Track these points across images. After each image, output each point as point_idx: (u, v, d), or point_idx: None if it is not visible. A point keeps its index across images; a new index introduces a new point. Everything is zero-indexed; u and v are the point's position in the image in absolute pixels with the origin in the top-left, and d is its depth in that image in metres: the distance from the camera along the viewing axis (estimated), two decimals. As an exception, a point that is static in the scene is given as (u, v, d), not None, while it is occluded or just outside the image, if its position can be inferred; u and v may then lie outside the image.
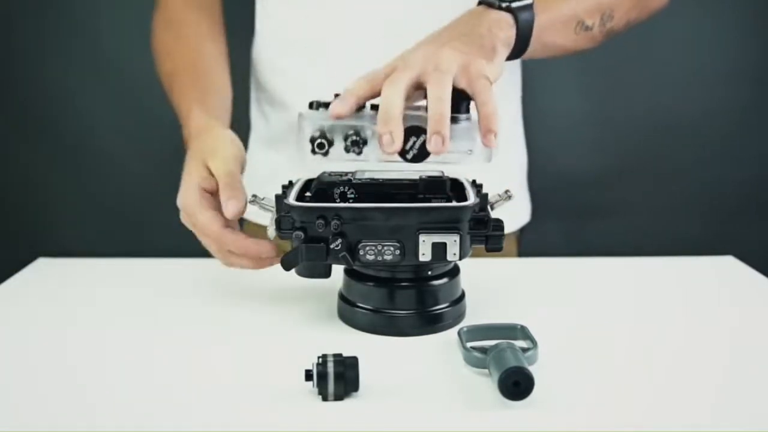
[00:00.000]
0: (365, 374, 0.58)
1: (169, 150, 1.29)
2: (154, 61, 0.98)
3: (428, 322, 0.70)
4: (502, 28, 0.72)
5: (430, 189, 0.69)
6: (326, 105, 0.68)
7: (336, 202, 0.68)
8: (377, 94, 0.66)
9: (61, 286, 0.86)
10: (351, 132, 0.66)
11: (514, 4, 0.73)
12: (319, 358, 0.58)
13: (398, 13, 0.93)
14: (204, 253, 0.84)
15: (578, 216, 1.36)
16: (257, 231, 0.94)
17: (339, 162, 0.68)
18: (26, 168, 1.36)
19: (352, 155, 0.66)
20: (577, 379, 0.61)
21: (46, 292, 0.84)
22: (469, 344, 0.64)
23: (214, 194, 0.74)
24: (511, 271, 0.91)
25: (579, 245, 1.36)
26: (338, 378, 0.57)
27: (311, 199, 0.69)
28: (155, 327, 0.73)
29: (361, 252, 0.66)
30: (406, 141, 0.64)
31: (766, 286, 0.85)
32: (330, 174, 0.70)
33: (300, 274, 0.71)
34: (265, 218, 0.73)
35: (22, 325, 0.74)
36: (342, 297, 0.74)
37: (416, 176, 0.69)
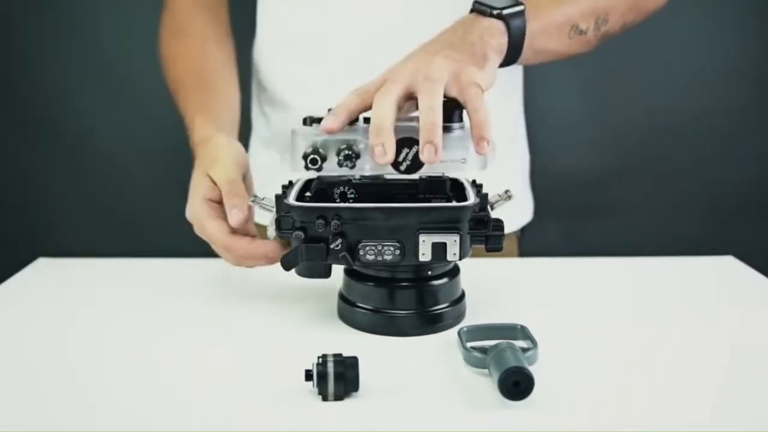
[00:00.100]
0: (365, 374, 0.58)
1: (169, 150, 1.30)
2: (161, 67, 0.98)
3: (428, 322, 0.70)
4: (494, 35, 0.72)
5: (430, 189, 0.69)
6: (319, 120, 0.68)
7: (336, 202, 0.68)
8: (369, 107, 0.66)
9: (61, 286, 0.86)
10: (343, 146, 0.66)
11: (506, 11, 0.72)
12: (319, 358, 0.58)
13: (398, 13, 0.93)
14: (204, 253, 0.84)
15: (578, 216, 1.37)
16: (258, 231, 0.94)
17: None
18: (26, 168, 1.36)
19: (345, 169, 0.66)
20: (577, 379, 0.61)
21: (46, 292, 0.84)
22: (469, 344, 0.64)
23: (220, 203, 0.74)
24: (511, 271, 0.90)
25: (579, 245, 1.36)
26: (338, 378, 0.57)
27: (311, 199, 0.69)
28: (155, 327, 0.73)
29: (361, 252, 0.66)
30: (398, 152, 0.64)
31: (766, 286, 0.85)
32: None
33: (300, 274, 0.71)
34: (266, 218, 0.73)
35: (22, 325, 0.74)
36: (342, 297, 0.74)
37: (416, 176, 0.69)
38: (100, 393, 0.60)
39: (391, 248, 0.66)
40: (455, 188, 0.72)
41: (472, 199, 0.67)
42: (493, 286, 0.82)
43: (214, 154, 0.76)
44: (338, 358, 0.58)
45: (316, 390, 0.57)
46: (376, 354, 0.65)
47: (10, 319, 0.76)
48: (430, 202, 0.69)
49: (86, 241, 1.37)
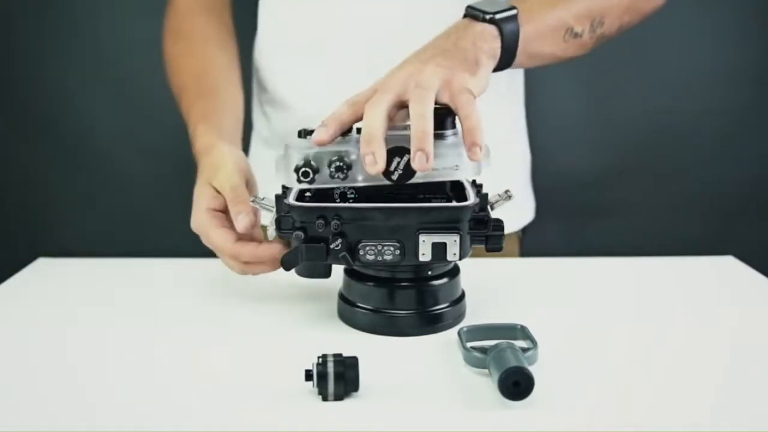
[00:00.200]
0: (365, 374, 0.58)
1: (169, 150, 1.30)
2: (164, 70, 0.98)
3: (428, 322, 0.70)
4: (487, 40, 0.72)
5: (430, 189, 0.69)
6: (312, 133, 0.68)
7: (336, 202, 0.68)
8: (361, 118, 0.65)
9: (61, 286, 0.86)
10: (335, 158, 0.65)
11: (498, 16, 0.72)
12: (319, 358, 0.58)
13: (398, 13, 0.93)
14: (204, 253, 0.84)
15: (578, 216, 1.37)
16: (260, 232, 0.94)
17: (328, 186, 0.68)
18: (26, 168, 1.36)
19: (337, 181, 0.66)
20: (577, 379, 0.61)
21: (46, 292, 0.84)
22: (469, 344, 0.64)
23: (225, 211, 0.74)
24: (511, 271, 0.90)
25: (579, 245, 1.36)
26: (338, 378, 0.57)
27: (311, 199, 0.69)
28: (155, 327, 0.73)
29: (361, 252, 0.67)
30: (390, 162, 0.64)
31: (766, 286, 0.85)
32: None
33: (300, 274, 0.71)
34: (266, 218, 0.73)
35: (22, 325, 0.74)
36: (342, 297, 0.74)
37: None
38: (100, 393, 0.60)
39: (391, 248, 0.66)
40: (455, 188, 0.72)
41: (472, 199, 0.67)
42: (493, 286, 0.82)
43: (216, 162, 0.76)
44: (338, 358, 0.58)
45: (316, 390, 0.57)
46: (376, 354, 0.65)
47: (10, 319, 0.76)
48: (430, 202, 0.69)
49: (86, 241, 1.37)
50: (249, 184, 0.76)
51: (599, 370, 0.63)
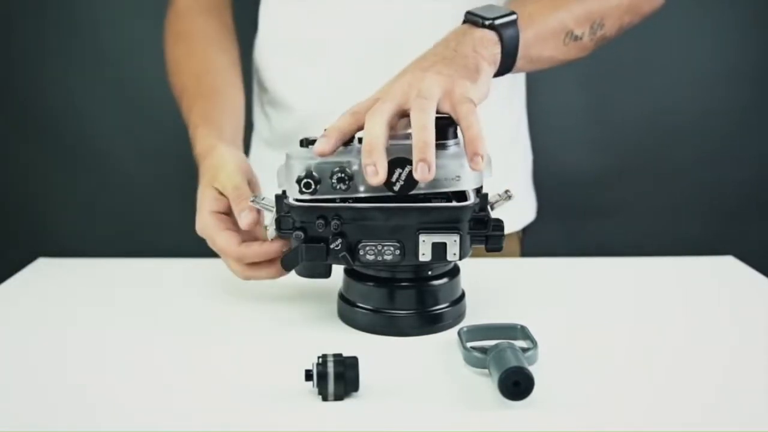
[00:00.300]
0: (365, 374, 0.58)
1: (169, 150, 1.30)
2: (165, 71, 0.97)
3: (428, 322, 0.70)
4: (487, 46, 0.71)
5: (430, 189, 0.69)
6: (315, 142, 0.67)
7: (336, 202, 0.68)
8: (362, 127, 0.65)
9: (61, 286, 0.86)
10: (336, 169, 0.65)
11: (498, 22, 0.72)
12: (319, 358, 0.58)
13: (398, 13, 0.93)
14: (204, 253, 0.84)
15: (578, 216, 1.37)
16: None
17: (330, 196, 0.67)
18: (26, 168, 1.36)
19: (339, 192, 0.66)
20: (577, 379, 0.61)
21: (46, 292, 0.84)
22: (469, 344, 0.64)
23: (228, 213, 0.74)
24: (511, 271, 0.90)
25: (579, 245, 1.36)
26: (338, 378, 0.57)
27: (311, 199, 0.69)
28: (155, 327, 0.73)
29: (361, 252, 0.67)
30: (392, 173, 0.63)
31: (766, 286, 0.85)
32: None
33: (300, 274, 0.71)
34: (267, 218, 0.73)
35: (22, 325, 0.74)
36: (342, 297, 0.74)
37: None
38: (100, 393, 0.60)
39: (391, 248, 0.66)
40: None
41: (472, 199, 0.67)
42: (493, 286, 0.82)
43: (217, 164, 0.76)
44: (338, 358, 0.58)
45: (316, 390, 0.57)
46: (376, 354, 0.65)
47: (10, 319, 0.76)
48: (430, 202, 0.69)
49: (86, 241, 1.37)
50: (251, 184, 0.76)
51: (599, 370, 0.63)
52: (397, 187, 0.64)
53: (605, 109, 1.34)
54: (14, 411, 0.57)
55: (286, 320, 0.74)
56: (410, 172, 0.63)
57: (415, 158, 0.61)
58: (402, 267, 0.69)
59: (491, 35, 0.72)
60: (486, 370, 0.61)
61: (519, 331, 0.68)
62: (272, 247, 0.72)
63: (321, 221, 0.66)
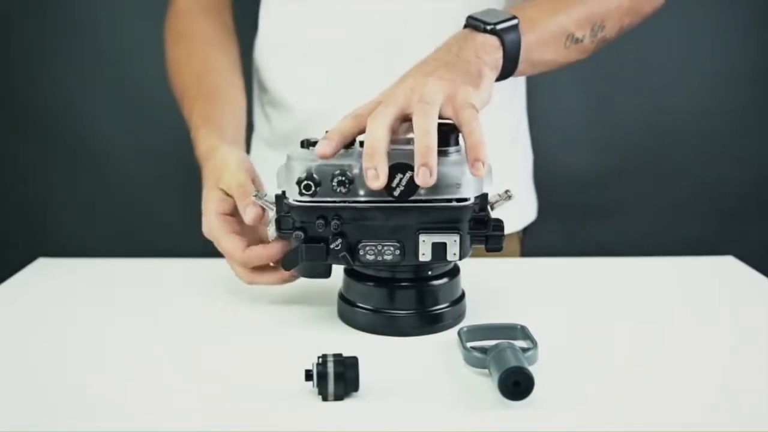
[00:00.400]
0: (365, 374, 0.58)
1: (169, 150, 1.30)
2: (166, 72, 0.97)
3: (428, 322, 0.70)
4: (488, 51, 0.71)
5: (430, 188, 0.69)
6: (316, 144, 0.67)
7: (336, 202, 0.68)
8: (364, 131, 0.65)
9: (61, 286, 0.86)
10: (337, 172, 0.65)
11: (499, 26, 0.72)
12: (319, 358, 0.58)
13: (398, 13, 0.93)
14: (204, 253, 0.84)
15: (578, 216, 1.37)
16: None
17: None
18: (26, 168, 1.36)
19: (339, 195, 0.66)
20: (577, 379, 0.61)
21: (46, 292, 0.84)
22: (469, 344, 0.64)
23: (234, 214, 0.74)
24: (511, 271, 0.90)
25: (579, 245, 1.36)
26: (338, 378, 0.57)
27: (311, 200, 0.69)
28: (155, 327, 0.73)
29: (361, 252, 0.67)
30: (392, 178, 0.63)
31: (766, 286, 0.85)
32: None
33: (300, 274, 0.71)
34: (269, 216, 0.73)
35: (22, 325, 0.74)
36: (342, 297, 0.74)
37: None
38: (100, 393, 0.60)
39: (391, 248, 0.66)
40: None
41: (471, 199, 0.67)
42: (493, 286, 0.82)
43: (220, 165, 0.76)
44: (338, 358, 0.58)
45: (316, 390, 0.57)
46: (376, 354, 0.65)
47: (10, 319, 0.76)
48: (430, 201, 0.68)
49: (86, 241, 1.37)
50: (255, 183, 0.76)
51: (599, 370, 0.63)
52: (397, 192, 0.64)
53: (605, 109, 1.34)
54: (14, 411, 0.57)
55: (286, 320, 0.74)
56: (411, 177, 0.63)
57: (417, 163, 0.61)
58: (402, 267, 0.69)
59: (493, 40, 0.72)
60: (486, 370, 0.61)
61: (519, 331, 0.68)
62: (275, 248, 0.72)
63: (321, 221, 0.66)
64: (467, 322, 0.72)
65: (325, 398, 0.57)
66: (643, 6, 0.87)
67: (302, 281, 0.73)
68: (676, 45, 1.31)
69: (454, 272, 0.73)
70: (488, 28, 0.72)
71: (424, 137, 0.62)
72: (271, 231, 0.70)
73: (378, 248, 0.66)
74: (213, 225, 0.74)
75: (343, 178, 0.65)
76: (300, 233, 0.67)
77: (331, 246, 0.66)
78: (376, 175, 0.62)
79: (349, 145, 0.67)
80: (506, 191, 0.71)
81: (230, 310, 0.77)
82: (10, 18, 1.30)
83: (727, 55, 1.32)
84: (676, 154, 1.34)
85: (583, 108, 1.34)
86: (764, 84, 1.32)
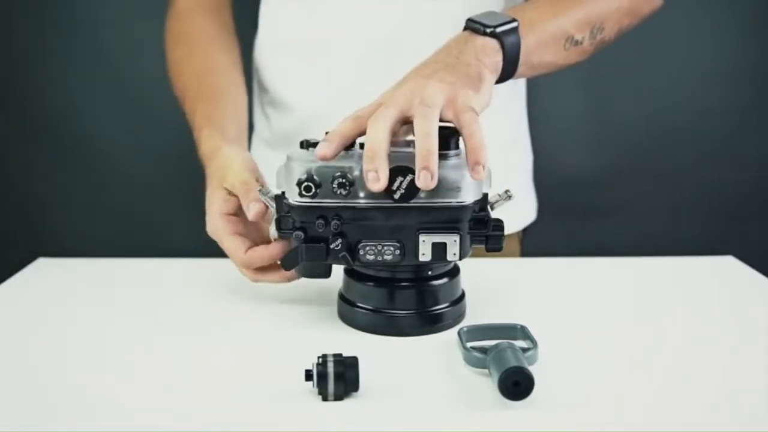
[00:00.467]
0: (365, 374, 0.58)
1: (170, 150, 1.30)
2: (167, 72, 0.97)
3: (428, 322, 0.70)
4: (488, 54, 0.71)
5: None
6: (315, 145, 0.67)
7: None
8: (364, 132, 0.65)
9: (61, 286, 0.86)
10: (337, 174, 0.65)
11: (499, 29, 0.72)
12: (319, 358, 0.58)
13: (398, 13, 0.93)
14: (204, 253, 0.84)
15: (578, 216, 1.37)
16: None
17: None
18: (26, 168, 1.36)
19: (339, 197, 0.65)
20: (577, 379, 0.61)
21: (46, 292, 0.84)
22: (469, 344, 0.64)
23: (237, 214, 0.74)
24: (511, 271, 0.90)
25: (579, 245, 1.36)
26: (338, 378, 0.57)
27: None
28: (155, 327, 0.73)
29: (361, 252, 0.67)
30: (393, 181, 0.63)
31: (766, 286, 0.85)
32: None
33: (300, 274, 0.71)
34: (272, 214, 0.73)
35: (22, 325, 0.74)
36: (342, 297, 0.74)
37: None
38: (100, 393, 0.60)
39: (391, 248, 0.66)
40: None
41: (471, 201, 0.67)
42: (493, 286, 0.82)
43: (223, 164, 0.76)
44: (338, 358, 0.58)
45: (316, 390, 0.57)
46: (376, 354, 0.65)
47: (10, 319, 0.76)
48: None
49: (86, 241, 1.37)
50: (258, 183, 0.76)
51: (599, 370, 0.63)
52: (397, 195, 0.64)
53: (605, 109, 1.34)
54: (14, 411, 0.57)
55: (286, 320, 0.74)
56: (411, 180, 0.63)
57: (418, 166, 0.61)
58: (402, 267, 0.69)
59: (493, 43, 0.72)
60: (486, 370, 0.61)
61: (519, 331, 0.68)
62: (276, 249, 0.72)
63: (321, 221, 0.66)
64: (467, 322, 0.72)
65: (325, 398, 0.57)
66: (641, 7, 0.88)
67: (302, 281, 0.73)
68: (676, 45, 1.31)
69: (454, 272, 0.73)
70: (488, 30, 0.72)
71: (426, 140, 0.62)
72: (272, 231, 0.70)
73: (378, 248, 0.66)
74: (216, 225, 0.74)
75: (344, 180, 0.65)
76: (300, 233, 0.67)
77: (331, 246, 0.66)
78: (376, 178, 0.62)
79: (349, 147, 0.67)
80: (506, 191, 0.71)
81: (230, 310, 0.77)
82: (10, 18, 1.30)
83: (727, 55, 1.32)
84: (676, 154, 1.34)
85: (583, 108, 1.34)
86: (764, 84, 1.32)
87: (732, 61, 1.31)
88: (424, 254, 0.66)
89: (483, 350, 0.62)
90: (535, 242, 1.12)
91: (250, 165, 0.76)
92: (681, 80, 1.32)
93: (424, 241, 0.66)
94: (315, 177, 0.65)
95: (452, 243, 0.66)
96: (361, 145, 0.65)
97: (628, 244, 1.35)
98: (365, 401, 0.58)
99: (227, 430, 0.55)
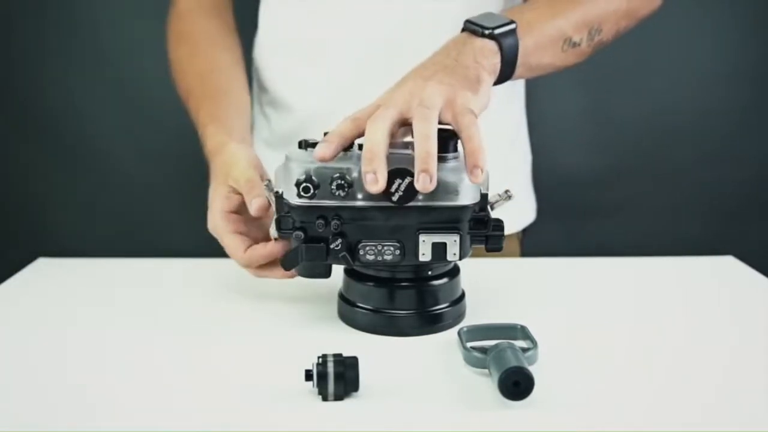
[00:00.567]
0: (365, 374, 0.58)
1: (170, 150, 1.30)
2: (170, 72, 0.97)
3: (428, 322, 0.70)
4: (487, 56, 0.71)
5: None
6: (314, 145, 0.67)
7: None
8: (363, 134, 0.65)
9: (61, 286, 0.86)
10: (336, 175, 0.65)
11: (497, 31, 0.72)
12: (319, 358, 0.58)
13: (398, 14, 0.93)
14: (204, 253, 0.84)
15: (578, 216, 1.37)
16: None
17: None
18: (26, 168, 1.36)
19: (338, 198, 0.65)
20: (577, 379, 0.61)
21: (46, 292, 0.84)
22: (469, 344, 0.64)
23: (239, 212, 0.74)
24: (511, 271, 0.90)
25: (579, 245, 1.36)
26: (338, 378, 0.57)
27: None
28: (155, 327, 0.73)
29: (361, 252, 0.67)
30: (391, 183, 0.63)
31: (766, 286, 0.85)
32: None
33: (300, 274, 0.71)
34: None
35: (22, 325, 0.74)
36: (342, 297, 0.74)
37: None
38: (100, 393, 0.60)
39: (391, 248, 0.66)
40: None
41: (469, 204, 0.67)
42: (493, 286, 0.82)
43: (228, 161, 0.76)
44: (338, 358, 0.58)
45: (316, 390, 0.57)
46: (376, 354, 0.65)
47: (10, 319, 0.76)
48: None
49: (86, 241, 1.37)
50: (262, 179, 0.76)
51: (599, 370, 0.63)
52: (395, 198, 0.64)
53: (605, 109, 1.34)
54: (14, 411, 0.57)
55: (286, 320, 0.74)
56: (410, 183, 0.63)
57: (417, 168, 0.61)
58: (402, 267, 0.69)
59: (491, 45, 0.72)
60: (486, 370, 0.61)
61: (519, 331, 0.68)
62: (276, 248, 0.72)
63: (321, 221, 0.66)
64: (467, 322, 0.72)
65: (325, 398, 0.57)
66: (639, 9, 0.88)
67: (302, 281, 0.73)
68: (676, 45, 1.31)
69: (454, 272, 0.73)
70: (486, 32, 0.72)
71: (425, 142, 0.62)
72: (272, 231, 0.70)
73: (378, 248, 0.66)
74: (217, 223, 0.74)
75: (342, 182, 0.65)
76: (300, 233, 0.67)
77: (331, 246, 0.66)
78: (375, 180, 0.62)
79: (347, 148, 0.67)
80: (506, 191, 0.71)
81: (230, 310, 0.77)
82: (10, 18, 1.30)
83: (727, 55, 1.32)
84: (676, 154, 1.34)
85: (582, 108, 1.34)
86: (764, 84, 1.32)
87: (732, 61, 1.31)
88: (424, 254, 0.66)
89: (483, 350, 0.62)
90: (535, 242, 1.12)
91: (255, 162, 0.76)
92: (681, 80, 1.32)
93: (424, 241, 0.66)
94: (314, 178, 0.65)
95: (452, 243, 0.66)
96: (360, 146, 0.65)
97: (628, 244, 1.35)
98: (365, 401, 0.58)
99: (227, 430, 0.55)
